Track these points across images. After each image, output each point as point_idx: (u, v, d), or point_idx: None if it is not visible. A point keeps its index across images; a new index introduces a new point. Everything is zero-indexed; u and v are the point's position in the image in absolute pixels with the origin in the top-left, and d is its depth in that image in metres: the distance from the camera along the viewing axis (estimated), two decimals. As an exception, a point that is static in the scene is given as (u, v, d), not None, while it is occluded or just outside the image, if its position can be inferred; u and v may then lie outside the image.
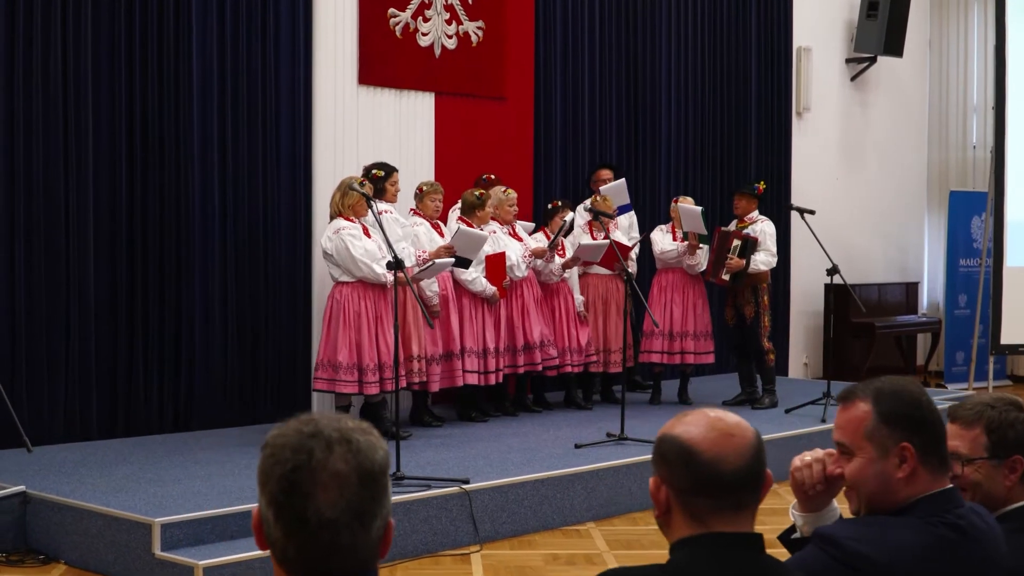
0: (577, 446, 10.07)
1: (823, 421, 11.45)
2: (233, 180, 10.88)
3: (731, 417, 2.96)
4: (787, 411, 11.99)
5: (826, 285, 15.32)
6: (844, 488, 3.44)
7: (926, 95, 18.46)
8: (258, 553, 7.41)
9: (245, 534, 7.74)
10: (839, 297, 15.26)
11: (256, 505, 2.44)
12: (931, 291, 18.30)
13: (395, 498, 8.05)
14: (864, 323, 15.54)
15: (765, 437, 9.68)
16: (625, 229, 12.76)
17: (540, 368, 11.74)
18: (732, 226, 12.45)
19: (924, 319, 17.14)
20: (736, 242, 12.06)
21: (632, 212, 12.98)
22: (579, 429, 10.93)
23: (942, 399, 13.24)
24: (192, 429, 10.59)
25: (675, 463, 2.90)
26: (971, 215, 16.74)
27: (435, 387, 10.86)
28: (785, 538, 3.62)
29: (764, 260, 12.24)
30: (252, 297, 11.02)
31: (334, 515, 2.34)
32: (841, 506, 3.53)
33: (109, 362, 10.22)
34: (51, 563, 7.96)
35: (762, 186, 12.58)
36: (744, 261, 12.02)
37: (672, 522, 2.96)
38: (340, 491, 2.34)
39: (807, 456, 3.49)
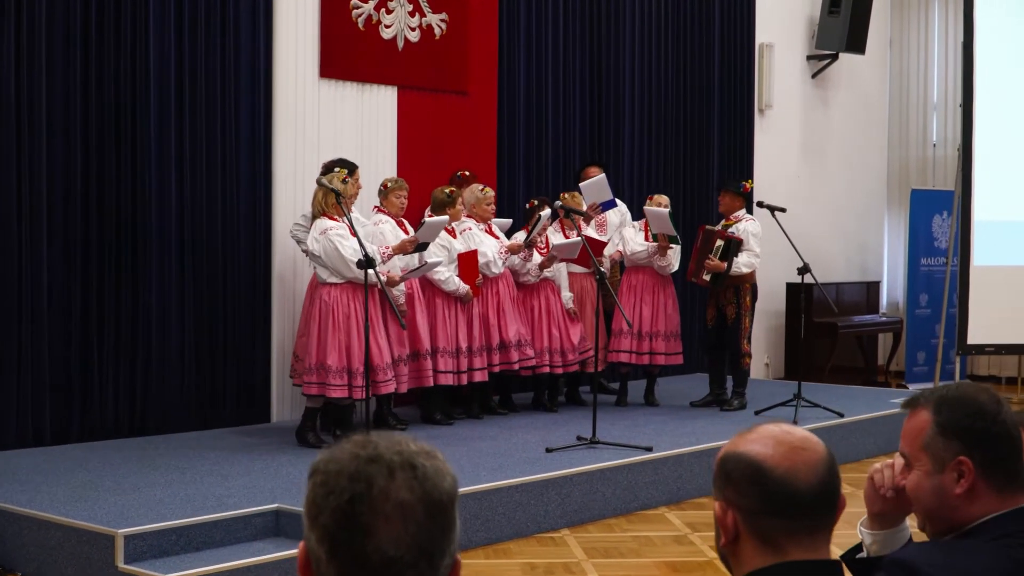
0: (548, 450, 9.79)
1: (795, 423, 11.17)
2: (191, 176, 10.54)
3: (798, 430, 2.68)
4: (757, 413, 11.76)
5: (795, 284, 15.25)
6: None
7: (886, 93, 18.33)
8: (225, 565, 7.16)
9: (210, 545, 7.52)
10: (800, 297, 15.10)
11: (302, 541, 2.14)
12: (891, 290, 18.18)
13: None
14: (827, 323, 15.37)
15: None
16: (615, 226, 12.55)
17: (516, 368, 11.46)
18: (720, 226, 12.19)
19: (885, 319, 16.99)
20: (719, 242, 11.81)
21: (620, 206, 12.76)
22: (548, 432, 10.67)
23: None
24: (149, 433, 10.25)
25: (743, 483, 2.61)
26: (933, 214, 16.59)
27: (403, 388, 10.56)
28: (849, 557, 3.33)
29: (746, 262, 11.99)
30: (211, 296, 10.69)
31: (398, 552, 2.04)
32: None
33: (63, 364, 9.85)
34: (7, 575, 7.61)
35: (749, 184, 12.37)
36: (725, 264, 11.79)
37: (741, 551, 2.65)
38: (405, 525, 2.05)
39: (888, 460, 3.22)
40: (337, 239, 9.67)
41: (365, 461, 2.07)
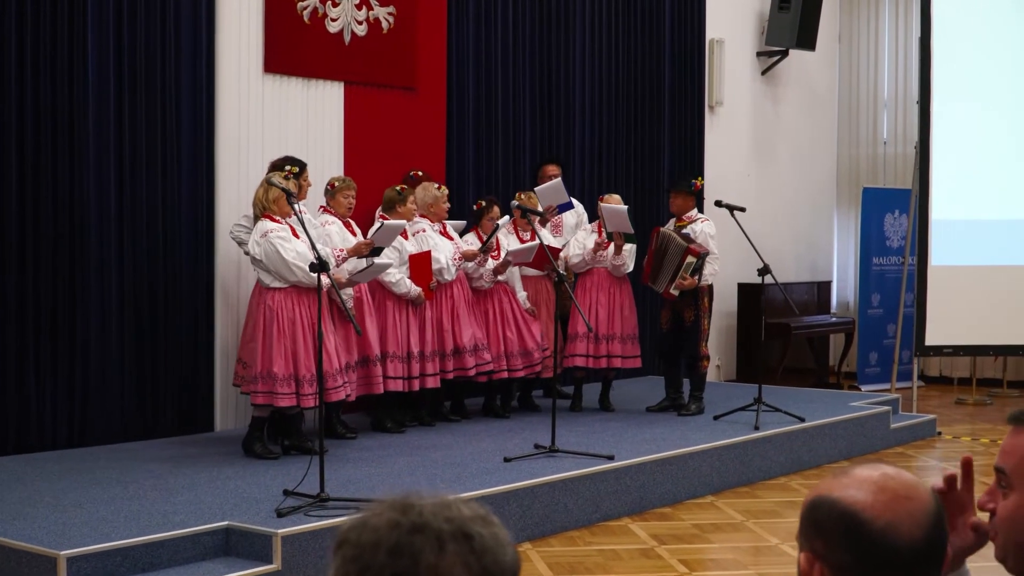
0: (506, 459, 9.42)
1: (756, 429, 10.93)
2: (131, 177, 10.11)
3: (904, 475, 2.31)
4: (715, 418, 11.47)
5: (747, 285, 15.01)
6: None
7: (836, 90, 18.11)
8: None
9: (156, 567, 7.12)
10: (752, 297, 14.84)
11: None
12: (841, 290, 17.95)
13: (319, 524, 7.43)
14: (779, 324, 15.10)
15: (697, 447, 9.02)
16: (571, 228, 12.26)
17: (473, 374, 11.08)
18: (670, 226, 11.86)
19: (836, 319, 16.76)
20: (690, 259, 11.44)
21: (576, 207, 12.43)
22: (503, 440, 10.31)
23: (864, 403, 12.83)
24: (89, 445, 9.82)
25: (835, 534, 2.24)
26: (884, 212, 16.38)
27: (352, 396, 10.16)
28: None
29: (711, 271, 11.74)
30: (151, 300, 10.27)
31: None
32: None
33: (-3, 372, 9.41)
34: (-61, 600, 7.18)
35: (700, 182, 12.06)
36: (697, 280, 11.49)
37: None
38: None
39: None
40: (279, 242, 9.22)
41: (408, 530, 1.69)
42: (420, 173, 11.35)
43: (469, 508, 1.75)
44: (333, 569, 1.73)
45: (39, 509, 7.71)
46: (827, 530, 2.26)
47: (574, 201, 12.38)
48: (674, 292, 11.57)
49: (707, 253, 11.55)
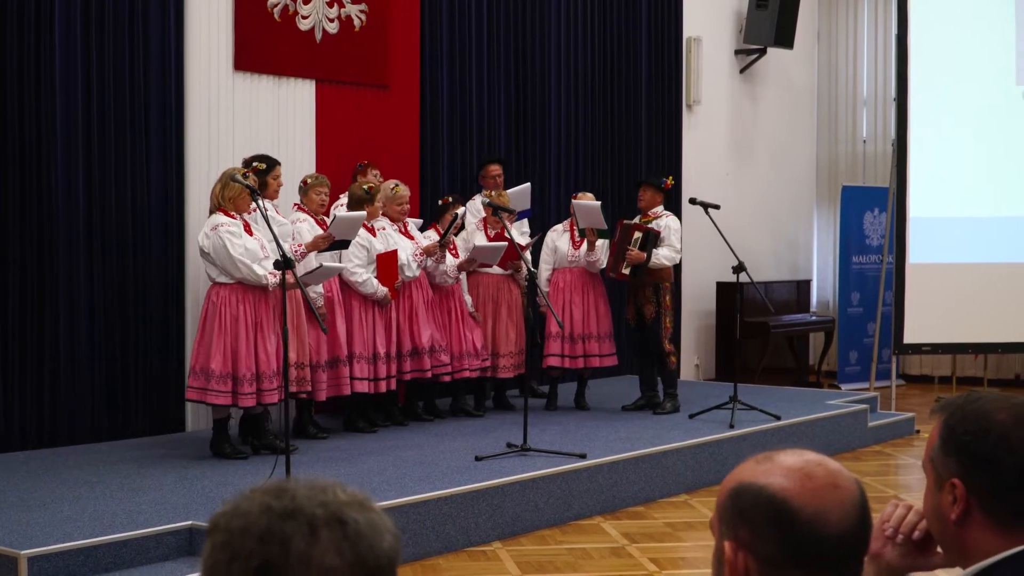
0: (478, 458, 9.36)
1: (731, 427, 10.88)
2: (100, 175, 10.04)
3: (828, 462, 2.24)
4: (691, 416, 11.41)
5: (726, 283, 14.95)
6: None
7: (815, 88, 18.06)
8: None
9: (119, 566, 7.07)
10: (731, 296, 14.77)
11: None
12: (820, 289, 17.90)
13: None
14: (758, 323, 15.04)
15: (671, 446, 8.95)
16: (516, 226, 12.11)
17: (429, 375, 10.99)
18: (636, 220, 11.81)
19: (816, 318, 16.69)
20: (637, 234, 11.42)
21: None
22: (476, 439, 10.24)
23: (841, 401, 12.76)
24: (58, 445, 9.74)
25: (762, 524, 2.17)
26: (864, 210, 16.32)
27: (322, 396, 10.10)
28: None
29: (667, 255, 11.63)
30: (121, 299, 10.20)
31: None
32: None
33: (-37, 373, 9.33)
34: (-101, 602, 7.10)
35: (670, 181, 12.02)
36: (644, 254, 11.40)
37: None
38: None
39: (907, 502, 2.79)
40: (227, 236, 9.13)
41: (279, 516, 1.60)
42: (366, 162, 11.20)
43: (346, 493, 1.67)
44: (203, 556, 1.67)
45: (3, 509, 7.66)
46: (753, 519, 2.19)
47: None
48: (625, 271, 11.48)
49: (657, 233, 11.47)
